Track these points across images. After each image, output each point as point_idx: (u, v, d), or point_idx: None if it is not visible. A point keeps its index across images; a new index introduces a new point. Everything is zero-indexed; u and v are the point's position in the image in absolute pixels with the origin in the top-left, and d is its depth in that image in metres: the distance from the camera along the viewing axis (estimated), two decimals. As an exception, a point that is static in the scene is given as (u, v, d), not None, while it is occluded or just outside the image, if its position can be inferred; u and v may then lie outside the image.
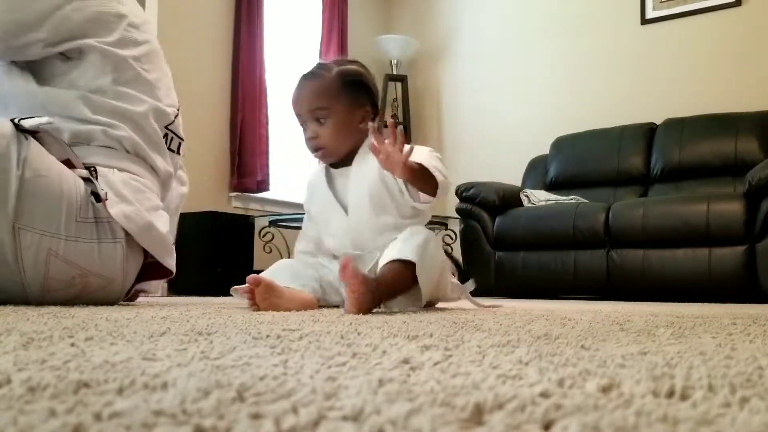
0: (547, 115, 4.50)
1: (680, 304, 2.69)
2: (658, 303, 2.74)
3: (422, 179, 1.56)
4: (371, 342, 0.69)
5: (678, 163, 3.75)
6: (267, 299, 1.42)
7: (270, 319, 1.10)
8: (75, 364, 0.49)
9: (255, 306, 1.43)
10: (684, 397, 0.40)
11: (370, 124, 1.54)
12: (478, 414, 0.33)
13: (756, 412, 0.35)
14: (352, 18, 4.83)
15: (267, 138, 4.14)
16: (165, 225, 1.69)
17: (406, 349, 0.62)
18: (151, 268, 1.72)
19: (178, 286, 3.61)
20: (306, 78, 1.73)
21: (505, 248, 3.58)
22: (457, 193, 3.83)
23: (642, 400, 0.38)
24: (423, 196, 1.65)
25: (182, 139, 1.86)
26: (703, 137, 3.72)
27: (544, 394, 0.39)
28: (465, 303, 1.86)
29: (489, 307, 1.79)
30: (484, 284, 3.65)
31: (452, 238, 4.19)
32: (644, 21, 4.28)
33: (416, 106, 5.00)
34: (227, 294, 3.30)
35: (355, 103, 1.71)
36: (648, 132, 3.95)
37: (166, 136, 1.77)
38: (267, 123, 4.14)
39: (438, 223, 4.21)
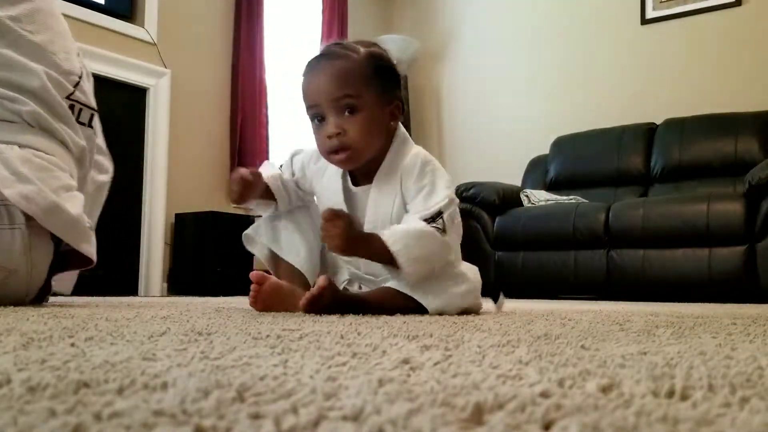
0: (547, 115, 4.50)
1: (680, 304, 2.69)
2: (658, 303, 2.74)
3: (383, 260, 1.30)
4: (371, 342, 0.69)
5: (678, 163, 3.75)
6: (268, 300, 1.36)
7: (270, 319, 1.10)
8: (75, 364, 0.49)
9: (255, 304, 1.36)
10: (684, 397, 0.40)
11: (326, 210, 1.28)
12: (478, 414, 0.33)
13: (756, 412, 0.35)
14: (352, 18, 4.83)
15: (267, 138, 4.14)
16: (77, 207, 1.47)
17: (406, 349, 0.62)
18: (69, 257, 1.52)
19: (178, 286, 3.61)
20: (326, 58, 1.35)
21: (505, 248, 3.58)
22: (457, 193, 3.82)
23: (642, 400, 0.38)
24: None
25: (94, 109, 1.63)
26: (703, 137, 3.72)
27: (544, 394, 0.39)
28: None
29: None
30: (484, 284, 3.64)
31: (452, 238, 4.20)
32: (644, 21, 4.28)
33: (416, 106, 5.00)
34: (227, 294, 3.30)
35: (386, 96, 1.38)
36: (648, 132, 3.95)
37: (72, 107, 1.55)
38: (267, 123, 4.15)
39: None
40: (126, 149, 3.46)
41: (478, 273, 1.47)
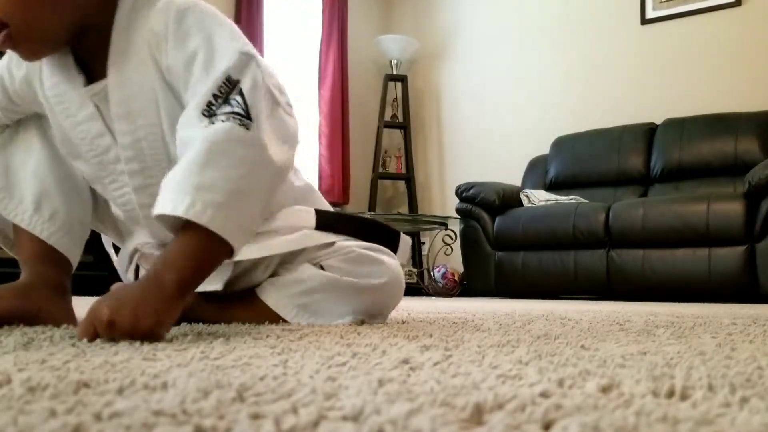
0: (547, 115, 4.50)
1: (680, 304, 2.69)
2: (658, 303, 2.74)
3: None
4: (371, 342, 0.69)
5: (678, 163, 3.75)
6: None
7: (270, 319, 1.09)
8: (75, 364, 0.49)
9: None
10: (684, 397, 0.40)
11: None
12: (478, 414, 0.33)
13: (756, 412, 0.35)
14: (352, 18, 4.83)
15: (267, 138, 4.14)
16: None
17: (406, 349, 0.62)
18: None
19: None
20: None
21: (505, 248, 3.58)
22: (457, 193, 3.83)
23: (642, 400, 0.38)
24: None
25: None
26: (703, 137, 3.72)
27: (544, 394, 0.39)
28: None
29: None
30: (484, 284, 3.65)
31: (452, 238, 4.19)
32: (644, 21, 4.28)
33: (416, 106, 5.00)
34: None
35: None
36: (648, 132, 3.95)
37: None
38: (267, 123, 4.14)
39: (438, 223, 4.21)
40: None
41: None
